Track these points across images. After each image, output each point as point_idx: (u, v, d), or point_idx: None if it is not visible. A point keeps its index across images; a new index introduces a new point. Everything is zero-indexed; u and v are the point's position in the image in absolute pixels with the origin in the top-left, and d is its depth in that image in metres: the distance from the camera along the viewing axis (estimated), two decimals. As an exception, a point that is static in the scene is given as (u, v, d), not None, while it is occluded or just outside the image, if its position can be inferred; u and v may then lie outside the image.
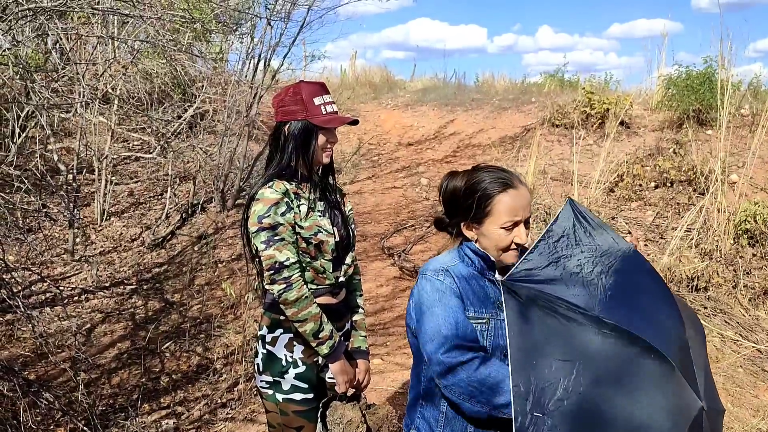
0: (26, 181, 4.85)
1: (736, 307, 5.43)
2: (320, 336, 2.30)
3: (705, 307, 5.38)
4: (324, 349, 2.32)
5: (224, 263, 6.13)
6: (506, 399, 1.67)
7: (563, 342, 1.63)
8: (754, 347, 4.92)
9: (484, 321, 1.83)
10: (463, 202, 1.87)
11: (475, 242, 1.90)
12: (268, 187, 2.29)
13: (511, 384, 1.55)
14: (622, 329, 1.67)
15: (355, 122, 2.45)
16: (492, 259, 1.88)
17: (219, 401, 4.19)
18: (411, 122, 10.97)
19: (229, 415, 4.06)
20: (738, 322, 5.22)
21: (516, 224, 1.83)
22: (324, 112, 2.34)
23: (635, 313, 1.75)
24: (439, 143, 9.97)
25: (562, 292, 1.70)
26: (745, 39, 23.80)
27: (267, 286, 2.29)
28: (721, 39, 7.58)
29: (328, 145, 2.39)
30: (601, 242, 1.86)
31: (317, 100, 2.33)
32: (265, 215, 2.24)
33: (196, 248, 6.39)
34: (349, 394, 2.46)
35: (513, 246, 1.84)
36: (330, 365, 2.37)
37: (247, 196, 2.43)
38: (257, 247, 2.26)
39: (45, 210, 6.21)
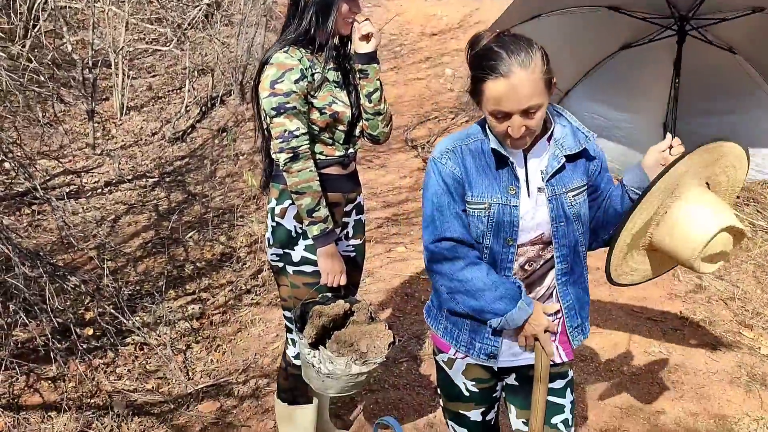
0: (42, 74, 4.76)
1: (769, 195, 5.28)
2: (314, 215, 2.20)
3: (737, 196, 5.22)
4: (315, 230, 2.22)
5: (245, 155, 6.06)
6: (479, 305, 1.70)
7: None
8: (786, 235, 4.81)
9: (483, 206, 1.71)
10: (471, 70, 1.70)
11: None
12: (284, 51, 2.19)
13: None
14: None
15: None
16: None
17: (243, 288, 4.24)
18: (434, 11, 10.53)
19: (254, 301, 4.11)
20: (771, 210, 5.09)
21: (506, 115, 1.61)
22: None
23: None
24: (464, 33, 9.57)
25: None
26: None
27: (273, 155, 2.23)
28: None
29: (351, 15, 2.25)
30: None
31: None
32: (279, 80, 2.14)
33: (216, 141, 6.32)
34: (335, 286, 2.32)
35: (510, 136, 1.63)
36: (318, 249, 2.27)
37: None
38: (267, 113, 2.17)
39: (59, 95, 6.12)
